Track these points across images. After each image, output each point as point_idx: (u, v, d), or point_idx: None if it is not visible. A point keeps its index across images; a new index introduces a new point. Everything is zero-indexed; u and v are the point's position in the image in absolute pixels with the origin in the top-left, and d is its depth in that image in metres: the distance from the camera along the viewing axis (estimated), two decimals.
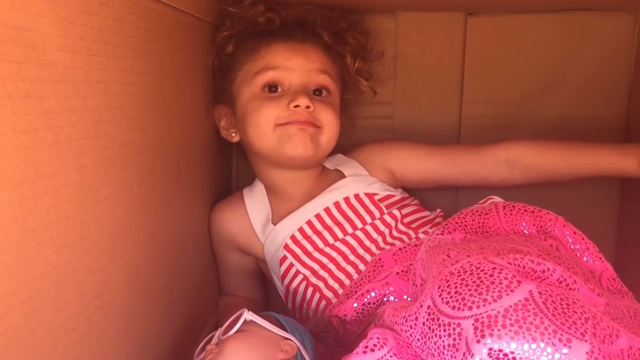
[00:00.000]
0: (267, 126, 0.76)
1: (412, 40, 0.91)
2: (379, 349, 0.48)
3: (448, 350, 0.45)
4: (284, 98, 0.76)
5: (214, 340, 0.60)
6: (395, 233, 0.76)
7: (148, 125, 0.58)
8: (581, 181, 0.91)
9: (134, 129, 0.55)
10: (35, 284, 0.39)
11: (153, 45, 0.59)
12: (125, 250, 0.54)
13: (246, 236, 0.83)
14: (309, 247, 0.77)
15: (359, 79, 0.86)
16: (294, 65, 0.77)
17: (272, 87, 0.78)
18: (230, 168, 0.97)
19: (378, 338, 0.49)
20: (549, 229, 0.64)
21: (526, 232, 0.65)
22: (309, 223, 0.78)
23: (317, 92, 0.79)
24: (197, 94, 0.77)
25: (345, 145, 0.86)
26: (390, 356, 0.48)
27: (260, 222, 0.82)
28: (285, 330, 0.61)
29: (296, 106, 0.75)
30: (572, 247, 0.63)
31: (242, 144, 0.83)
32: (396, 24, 0.91)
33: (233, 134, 0.83)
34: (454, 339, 0.44)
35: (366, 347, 0.49)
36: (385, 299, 0.66)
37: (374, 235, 0.76)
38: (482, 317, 0.43)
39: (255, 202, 0.83)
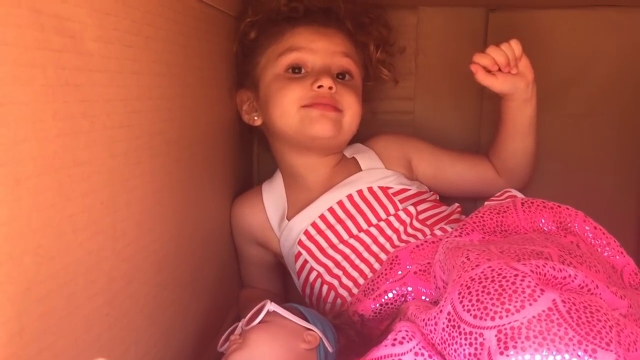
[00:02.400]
0: (291, 105, 0.76)
1: (433, 36, 0.91)
2: (408, 342, 0.48)
3: None
4: (307, 79, 0.76)
5: (238, 331, 0.61)
6: (410, 230, 0.76)
7: (176, 116, 0.59)
8: (601, 177, 0.91)
9: (163, 119, 0.56)
10: (72, 269, 0.40)
11: (181, 38, 0.60)
12: (154, 239, 0.55)
13: (263, 231, 0.84)
14: (323, 244, 0.77)
15: (381, 68, 0.86)
16: (317, 47, 0.78)
17: (295, 69, 0.78)
18: (251, 160, 0.97)
19: (407, 331, 0.49)
20: (569, 224, 0.63)
21: (545, 229, 0.64)
22: (322, 217, 0.78)
23: (340, 76, 0.79)
24: (220, 87, 0.77)
25: (366, 139, 0.87)
26: (420, 349, 0.48)
27: (277, 217, 0.82)
28: (308, 321, 0.61)
29: (319, 87, 0.75)
30: (592, 242, 0.62)
31: (264, 127, 0.84)
32: (418, 19, 0.91)
33: (255, 117, 0.83)
34: (476, 349, 0.44)
35: (395, 339, 0.49)
36: (403, 299, 0.66)
37: (389, 232, 0.76)
38: (506, 329, 0.43)
39: (273, 197, 0.84)
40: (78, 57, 0.40)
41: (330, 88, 0.75)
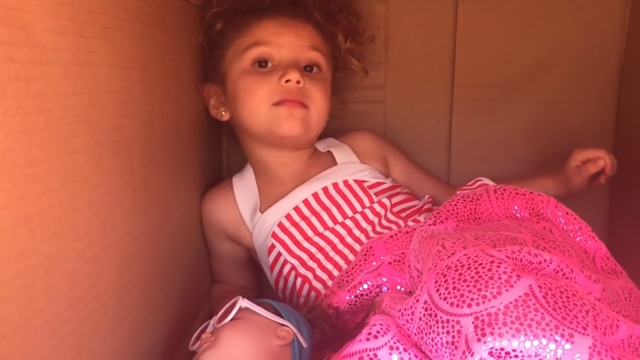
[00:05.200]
0: (260, 105, 0.75)
1: (403, 24, 0.90)
2: (382, 336, 0.48)
3: (446, 348, 0.44)
4: (274, 73, 0.75)
5: (209, 329, 0.60)
6: (384, 222, 0.76)
7: (138, 110, 0.57)
8: None
9: (124, 113, 0.53)
10: (29, 273, 0.38)
11: (141, 28, 0.58)
12: (119, 238, 0.53)
13: (235, 225, 0.82)
14: (298, 236, 0.76)
15: (351, 58, 0.85)
16: (284, 41, 0.76)
17: (262, 62, 0.76)
18: (220, 153, 0.95)
19: (381, 325, 0.49)
20: (541, 210, 0.64)
21: (518, 215, 0.64)
22: (297, 209, 0.77)
23: (308, 68, 0.78)
24: (185, 79, 0.75)
25: (338, 129, 0.86)
26: (395, 342, 0.47)
27: (249, 211, 0.81)
28: (281, 316, 0.60)
29: (287, 81, 0.73)
30: (564, 228, 0.63)
31: (233, 122, 0.82)
32: (387, 7, 0.90)
33: (223, 112, 0.82)
34: (453, 337, 0.44)
35: (369, 333, 0.48)
36: (378, 290, 0.66)
37: (363, 224, 0.75)
38: (483, 315, 0.43)
39: (244, 190, 0.82)
40: (29, 50, 0.38)
41: (297, 82, 0.74)
